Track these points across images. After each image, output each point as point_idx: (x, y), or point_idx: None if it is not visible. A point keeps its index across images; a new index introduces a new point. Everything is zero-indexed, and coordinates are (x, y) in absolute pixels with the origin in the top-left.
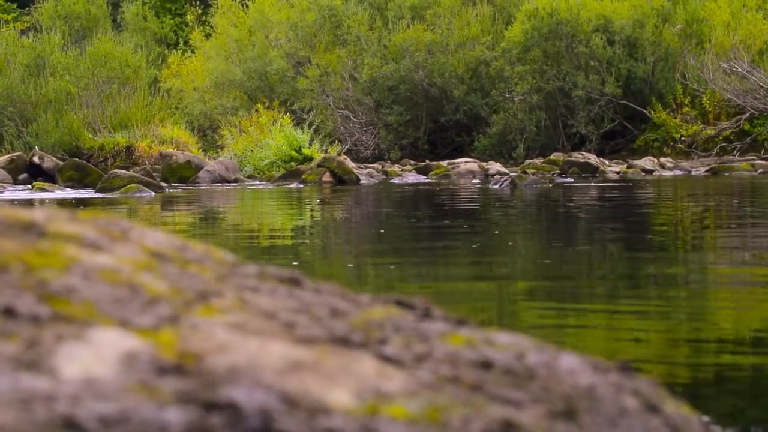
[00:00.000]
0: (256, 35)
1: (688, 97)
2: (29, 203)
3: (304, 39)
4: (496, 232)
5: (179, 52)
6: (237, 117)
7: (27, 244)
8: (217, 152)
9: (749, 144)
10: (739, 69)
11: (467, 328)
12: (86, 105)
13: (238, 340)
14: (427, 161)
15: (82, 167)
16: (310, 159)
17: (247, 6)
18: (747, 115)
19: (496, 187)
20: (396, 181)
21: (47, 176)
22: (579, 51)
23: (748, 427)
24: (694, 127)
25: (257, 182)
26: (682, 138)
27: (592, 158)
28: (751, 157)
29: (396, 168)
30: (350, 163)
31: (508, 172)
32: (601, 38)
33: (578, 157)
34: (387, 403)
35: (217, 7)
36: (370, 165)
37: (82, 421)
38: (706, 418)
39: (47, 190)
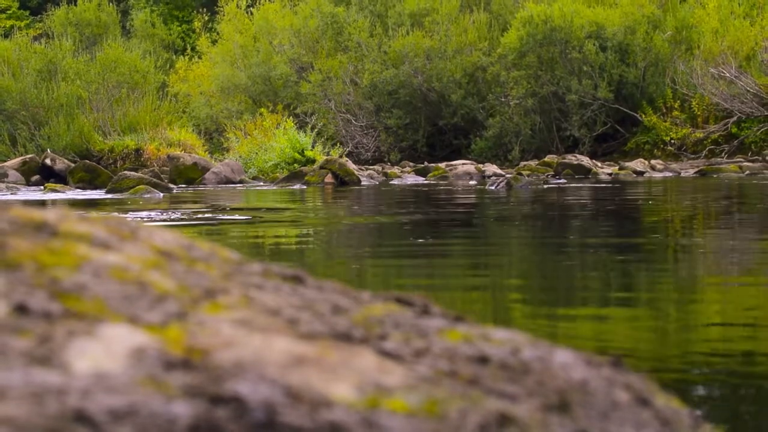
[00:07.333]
0: (260, 41)
1: (678, 102)
2: (41, 204)
3: (306, 45)
4: (493, 231)
5: (186, 57)
6: (242, 120)
7: (39, 243)
8: (222, 154)
9: (737, 146)
10: (727, 74)
11: (464, 325)
12: (96, 109)
13: (243, 335)
14: (426, 163)
15: (93, 169)
16: (313, 161)
17: (252, 13)
18: (734, 118)
19: (493, 188)
20: (395, 182)
21: (59, 178)
22: (572, 57)
23: (737, 421)
24: (684, 131)
25: (261, 183)
26: (672, 141)
27: (585, 160)
28: (738, 159)
29: (396, 170)
30: (351, 165)
31: (503, 173)
32: (594, 44)
33: (572, 159)
34: (387, 396)
35: (223, 15)
36: (371, 167)
37: (93, 415)
38: (695, 412)
39: (59, 191)
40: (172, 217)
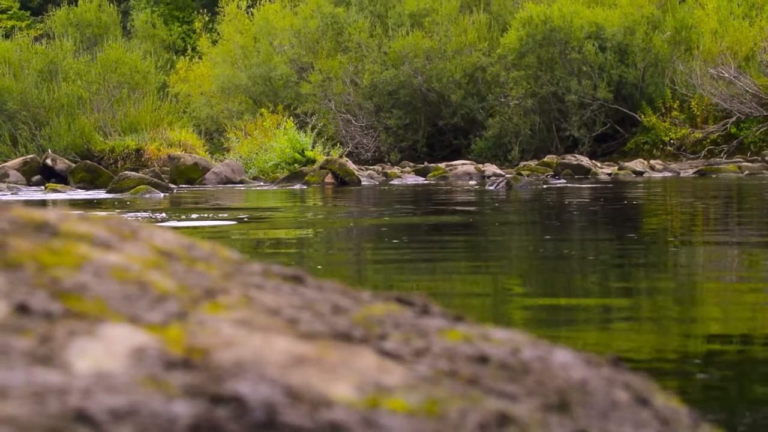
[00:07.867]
0: (261, 42)
1: (677, 102)
2: (42, 204)
3: (307, 45)
4: (492, 230)
5: (187, 58)
6: (242, 121)
7: (40, 243)
8: (223, 155)
9: (736, 147)
10: (726, 74)
11: (464, 324)
12: (97, 109)
13: (243, 335)
14: (426, 163)
15: (94, 169)
16: (313, 161)
17: (252, 14)
18: (734, 119)
19: (492, 188)
20: (396, 182)
21: (60, 178)
22: (572, 57)
23: (737, 421)
24: (683, 131)
25: (261, 183)
26: (672, 141)
27: (585, 160)
28: (737, 159)
29: (396, 170)
30: (351, 165)
31: (503, 173)
32: (593, 45)
33: (571, 159)
34: (387, 396)
35: (224, 15)
36: (371, 167)
37: (94, 414)
38: (694, 411)
39: (60, 191)
40: (172, 217)
